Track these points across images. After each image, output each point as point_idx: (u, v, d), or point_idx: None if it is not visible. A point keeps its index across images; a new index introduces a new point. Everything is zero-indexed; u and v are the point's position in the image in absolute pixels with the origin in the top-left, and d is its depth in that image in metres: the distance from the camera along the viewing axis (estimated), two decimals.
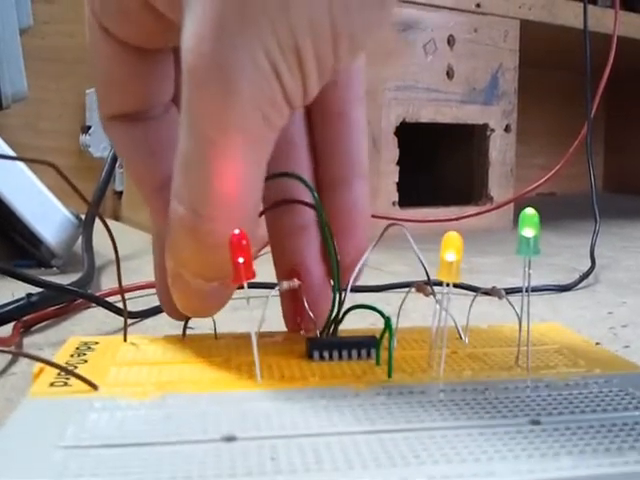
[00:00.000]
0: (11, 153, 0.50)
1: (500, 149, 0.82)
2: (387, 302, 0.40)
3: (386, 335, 0.24)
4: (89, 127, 0.82)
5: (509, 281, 0.49)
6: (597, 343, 0.35)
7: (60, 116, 0.90)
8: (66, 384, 0.22)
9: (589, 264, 0.53)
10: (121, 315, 0.37)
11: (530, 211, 0.23)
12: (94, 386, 0.21)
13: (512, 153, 0.83)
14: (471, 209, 0.75)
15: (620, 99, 1.36)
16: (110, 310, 0.37)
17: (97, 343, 0.26)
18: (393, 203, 0.74)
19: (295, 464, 0.17)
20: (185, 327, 0.26)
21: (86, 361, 0.24)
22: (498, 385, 0.22)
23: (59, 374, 0.22)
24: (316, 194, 0.25)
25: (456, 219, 0.72)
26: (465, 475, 0.17)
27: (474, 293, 0.26)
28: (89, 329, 0.36)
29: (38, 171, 0.51)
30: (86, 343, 0.26)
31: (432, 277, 0.24)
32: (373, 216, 0.77)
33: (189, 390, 0.21)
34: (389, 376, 0.23)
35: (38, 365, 0.23)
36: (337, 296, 0.25)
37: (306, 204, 0.26)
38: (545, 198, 1.22)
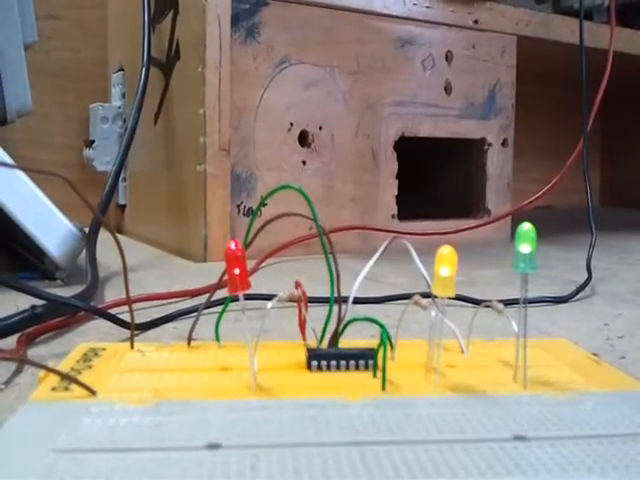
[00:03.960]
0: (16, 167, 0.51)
1: (497, 163, 0.83)
2: (386, 314, 0.41)
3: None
4: (92, 141, 0.83)
5: (507, 293, 0.49)
6: (594, 354, 0.35)
7: (64, 130, 0.91)
8: (67, 389, 0.22)
9: (586, 276, 0.54)
10: (124, 327, 0.38)
11: (526, 226, 0.23)
12: (92, 391, 0.22)
13: (509, 167, 0.84)
14: (469, 222, 0.76)
15: (616, 113, 1.37)
16: (113, 322, 0.37)
17: (104, 349, 0.27)
18: (392, 216, 0.75)
19: (273, 474, 0.17)
20: (190, 335, 0.27)
21: (91, 367, 0.25)
22: (490, 400, 0.23)
23: (62, 379, 0.23)
24: (313, 206, 0.25)
25: (454, 232, 0.72)
26: None
27: (473, 305, 0.26)
28: (93, 341, 0.36)
29: (42, 184, 0.52)
30: (94, 349, 0.27)
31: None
32: (373, 229, 0.77)
33: (183, 397, 0.22)
34: (383, 388, 0.23)
35: (44, 371, 0.23)
36: (336, 309, 0.26)
37: (304, 216, 0.26)
38: (542, 211, 1.22)
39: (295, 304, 0.27)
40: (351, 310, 0.26)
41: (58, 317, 0.38)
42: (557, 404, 0.22)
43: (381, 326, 0.24)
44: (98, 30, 0.91)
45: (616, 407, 0.22)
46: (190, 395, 0.22)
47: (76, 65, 0.91)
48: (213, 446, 0.18)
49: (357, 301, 0.45)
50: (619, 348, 0.37)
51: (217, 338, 0.27)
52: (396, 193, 0.75)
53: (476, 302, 0.42)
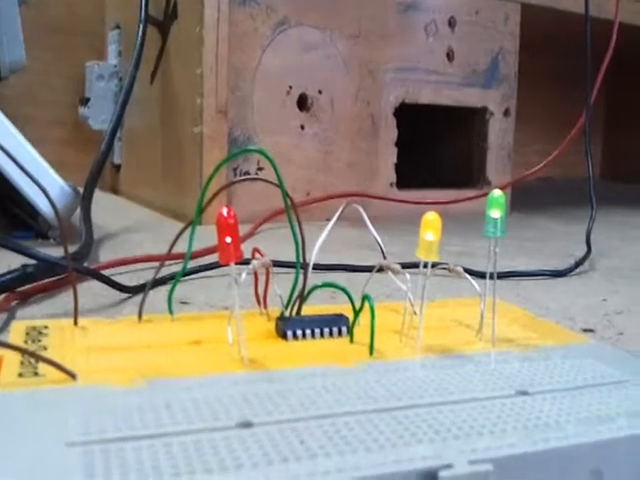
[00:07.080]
0: (9, 125, 0.50)
1: (499, 133, 0.82)
2: (383, 283, 0.41)
3: (363, 313, 0.24)
4: (88, 99, 0.81)
5: (506, 264, 0.49)
6: (591, 330, 0.35)
7: (59, 87, 0.90)
8: (36, 374, 0.20)
9: (585, 250, 0.53)
10: (117, 288, 0.37)
11: (497, 192, 0.24)
12: (73, 375, 0.20)
13: (510, 137, 0.83)
14: (469, 192, 0.75)
15: (620, 86, 1.35)
16: (106, 283, 0.37)
17: (46, 327, 0.25)
18: (391, 184, 0.74)
19: (325, 446, 0.16)
20: (141, 309, 0.26)
21: (46, 348, 0.23)
22: (472, 359, 0.23)
23: (22, 363, 0.21)
24: (279, 170, 0.25)
25: (454, 202, 0.72)
26: (478, 450, 0.17)
27: (437, 269, 0.26)
28: (86, 302, 0.36)
29: (36, 143, 0.51)
30: (35, 328, 0.25)
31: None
32: (371, 196, 0.76)
33: (173, 375, 0.21)
34: (371, 353, 0.23)
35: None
36: (301, 275, 0.25)
37: (268, 182, 0.26)
38: (542, 183, 1.22)
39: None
40: (345, 277, 0.26)
41: (50, 277, 0.37)
42: (529, 359, 0.23)
43: (343, 290, 0.24)
44: None
45: (582, 360, 0.24)
46: (179, 372, 0.21)
47: (72, 21, 0.89)
48: (245, 424, 0.17)
49: (355, 269, 0.44)
50: (617, 324, 0.36)
51: (170, 311, 0.27)
52: (395, 161, 0.74)
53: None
